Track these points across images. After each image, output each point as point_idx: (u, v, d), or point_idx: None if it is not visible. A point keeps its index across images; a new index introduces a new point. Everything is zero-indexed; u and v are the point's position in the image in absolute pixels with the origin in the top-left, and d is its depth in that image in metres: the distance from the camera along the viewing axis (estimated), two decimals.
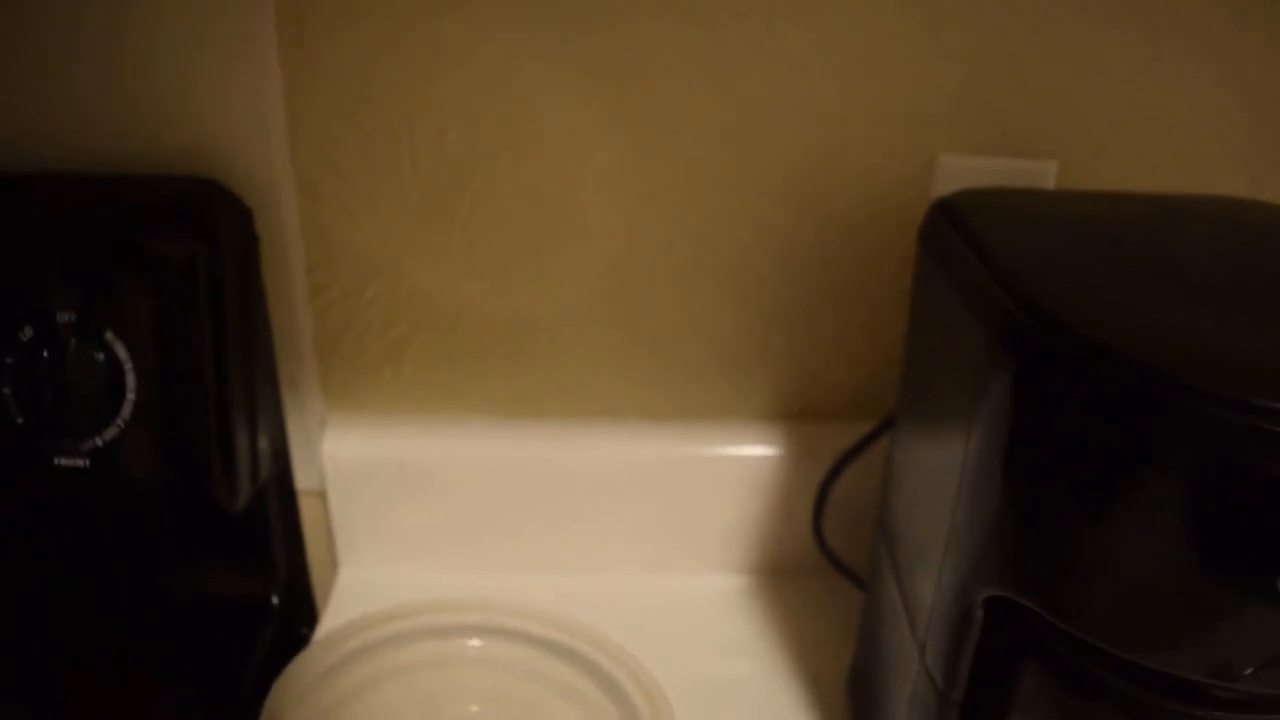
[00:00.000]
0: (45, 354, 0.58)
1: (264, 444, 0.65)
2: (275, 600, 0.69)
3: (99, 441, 0.60)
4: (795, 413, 0.71)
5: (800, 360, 0.70)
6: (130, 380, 0.59)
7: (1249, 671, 0.36)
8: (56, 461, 0.61)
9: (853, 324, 0.69)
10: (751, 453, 0.69)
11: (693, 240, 0.66)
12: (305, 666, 0.61)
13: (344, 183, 0.64)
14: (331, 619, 0.69)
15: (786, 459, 0.69)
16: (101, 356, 0.59)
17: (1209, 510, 0.34)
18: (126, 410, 0.60)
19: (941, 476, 0.45)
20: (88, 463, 0.60)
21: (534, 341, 0.68)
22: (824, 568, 0.71)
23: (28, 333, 0.59)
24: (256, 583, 0.70)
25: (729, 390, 0.70)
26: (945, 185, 0.60)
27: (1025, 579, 0.40)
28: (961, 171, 0.63)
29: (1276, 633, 0.35)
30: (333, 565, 0.74)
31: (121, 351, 0.59)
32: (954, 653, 0.45)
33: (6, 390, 0.60)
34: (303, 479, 0.71)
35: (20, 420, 0.60)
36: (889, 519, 0.56)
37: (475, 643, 0.64)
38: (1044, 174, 0.64)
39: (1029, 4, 0.60)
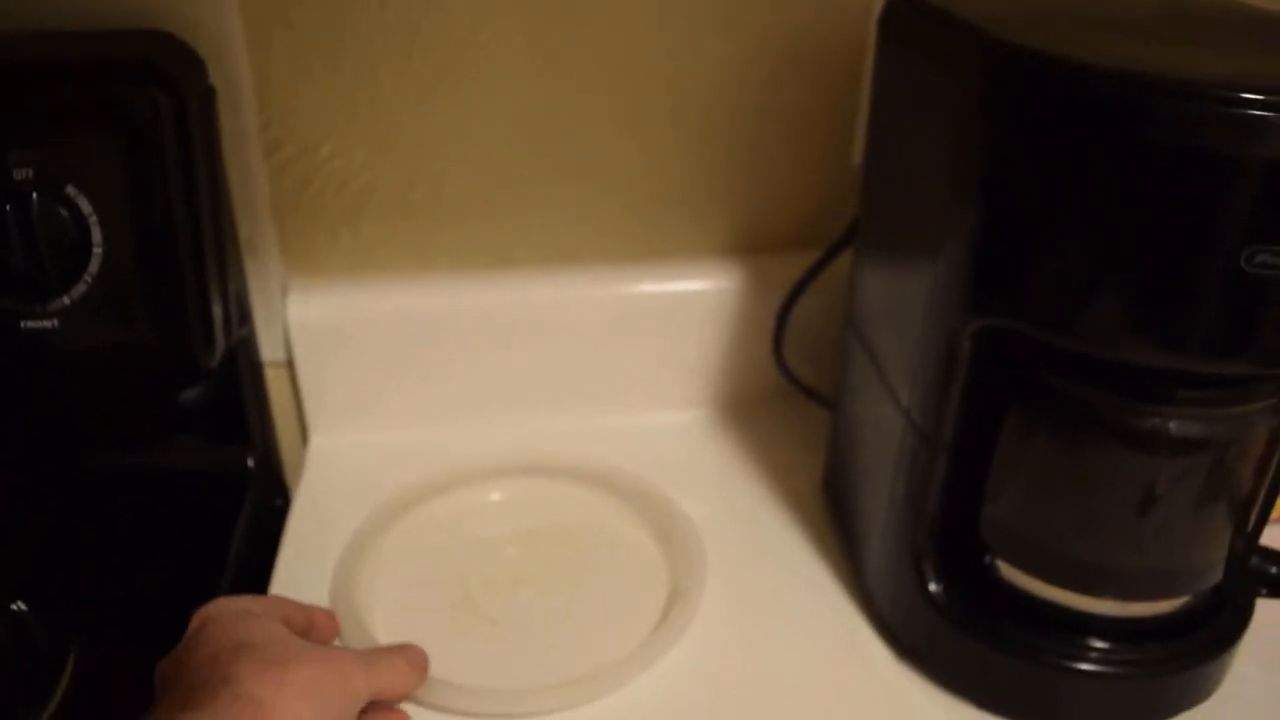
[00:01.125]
0: (6, 210, 0.57)
1: (232, 304, 0.65)
2: (252, 464, 0.69)
3: (67, 300, 0.59)
4: (748, 247, 0.74)
5: (749, 194, 0.72)
6: (96, 234, 0.59)
7: (1212, 344, 0.40)
8: (23, 325, 0.60)
9: (798, 155, 0.71)
10: (708, 287, 0.72)
11: (639, 79, 0.67)
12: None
13: (295, 34, 0.63)
14: (310, 484, 0.70)
15: (742, 291, 0.72)
16: (65, 212, 0.58)
17: (1176, 194, 0.38)
18: (94, 265, 0.59)
19: (920, 233, 0.49)
20: (56, 323, 0.60)
21: (492, 192, 0.69)
22: (784, 395, 0.74)
23: None
24: (231, 453, 0.70)
25: (682, 228, 0.72)
26: None
27: (1012, 295, 0.44)
28: None
29: (1238, 306, 0.39)
30: (301, 436, 0.75)
31: (85, 205, 0.58)
32: (941, 395, 0.48)
33: None
34: (267, 350, 0.71)
35: None
36: (858, 312, 0.59)
37: (496, 495, 0.69)
38: None
39: None
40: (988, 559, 0.53)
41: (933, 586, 0.53)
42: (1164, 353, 0.41)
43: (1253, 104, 0.36)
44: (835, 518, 0.65)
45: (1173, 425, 0.45)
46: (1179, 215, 0.39)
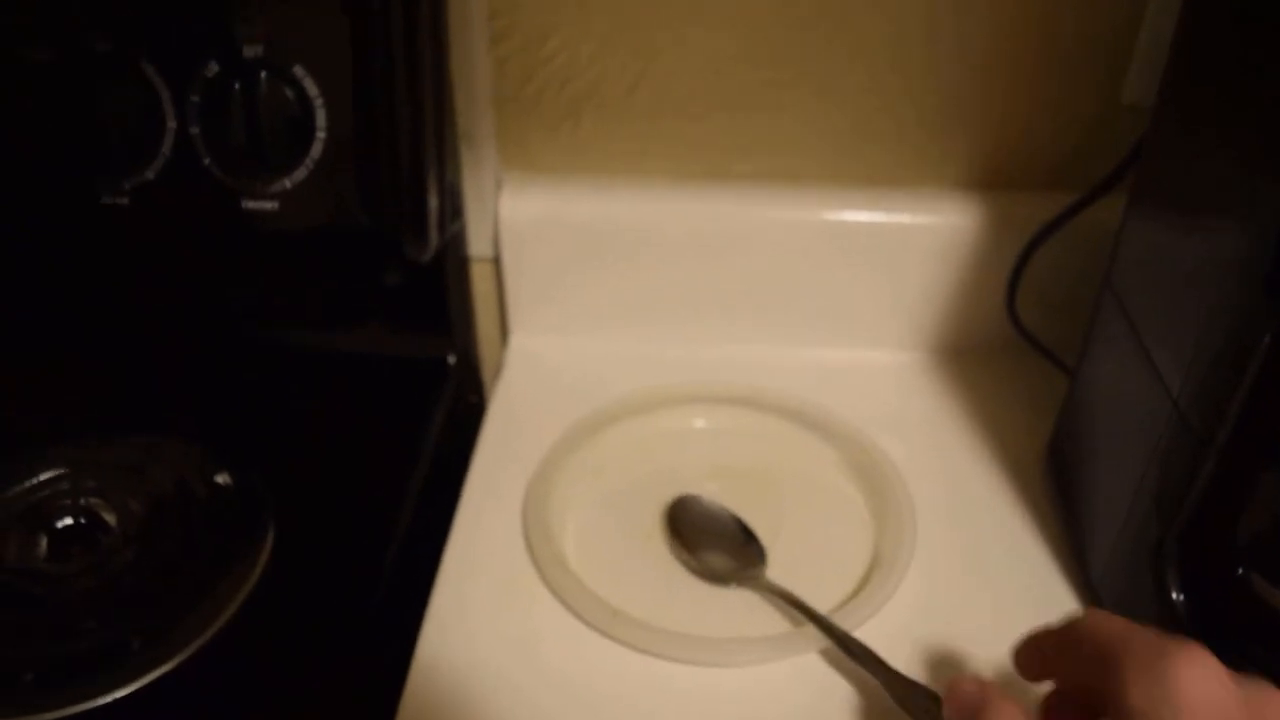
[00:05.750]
0: (235, 88, 0.56)
1: (448, 198, 0.64)
2: (453, 360, 0.69)
3: (288, 183, 0.59)
4: (990, 183, 0.67)
5: (998, 125, 0.65)
6: (321, 118, 0.58)
7: None
8: (245, 204, 0.60)
9: (1060, 86, 0.63)
10: (944, 222, 0.66)
11: None
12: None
13: None
14: (508, 384, 0.69)
15: (980, 230, 0.66)
16: (291, 93, 0.57)
17: None
18: (317, 150, 0.58)
19: (1229, 194, 0.42)
20: (276, 205, 0.59)
21: (721, 99, 0.65)
22: (1011, 348, 0.69)
23: (213, 69, 0.57)
24: (432, 346, 0.69)
25: (921, 155, 0.66)
26: None
27: None
28: None
29: None
30: (500, 335, 0.73)
31: (312, 87, 0.57)
32: (1223, 388, 0.42)
33: (194, 130, 0.58)
34: (475, 244, 0.70)
35: (208, 161, 0.59)
36: (1122, 272, 0.53)
37: (700, 423, 0.66)
38: None
39: None
40: (1241, 570, 0.47)
41: (1176, 595, 0.47)
42: None
43: None
44: (1059, 493, 0.59)
45: None
46: None
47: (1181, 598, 0.47)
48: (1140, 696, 0.33)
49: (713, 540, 0.56)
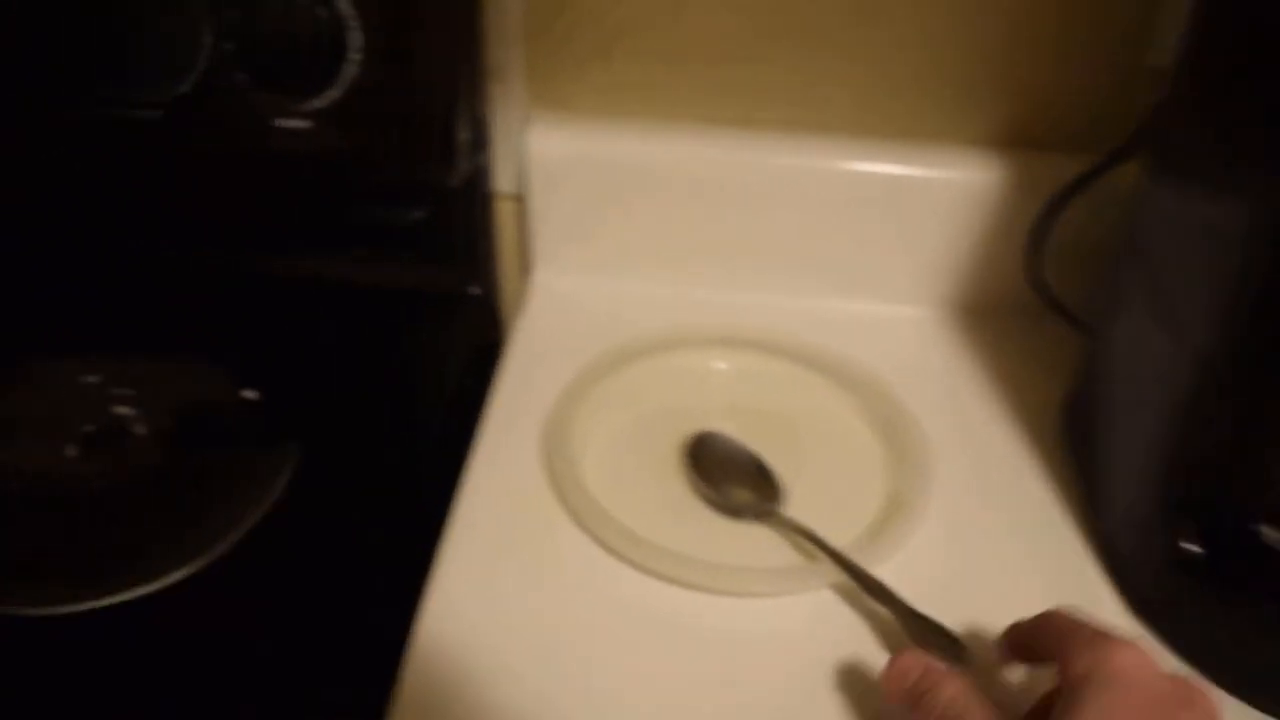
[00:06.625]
0: (271, 5, 0.56)
1: (476, 127, 0.64)
2: (476, 292, 0.69)
3: (319, 103, 0.59)
4: (1012, 141, 0.67)
5: (1024, 84, 0.65)
6: (354, 40, 0.58)
7: None
8: (277, 123, 0.60)
9: (1087, 47, 0.63)
10: (966, 178, 0.66)
11: None
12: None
13: None
14: (530, 321, 0.69)
15: (1002, 188, 0.66)
16: (325, 13, 0.57)
17: None
18: (349, 71, 0.58)
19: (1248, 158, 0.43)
20: (309, 124, 0.59)
21: (753, 44, 0.65)
22: (1027, 307, 0.69)
23: None
24: (455, 279, 0.70)
25: (945, 112, 0.66)
26: None
27: None
28: None
29: None
30: (523, 273, 0.73)
31: (346, 8, 0.57)
32: (1246, 340, 0.43)
33: (229, 45, 0.58)
34: (500, 180, 0.70)
35: (241, 77, 0.59)
36: (1143, 232, 0.53)
37: (721, 364, 0.66)
38: None
39: None
40: (1254, 526, 0.48)
41: (1188, 545, 0.48)
42: None
43: None
44: (1074, 448, 0.60)
45: None
46: None
47: (1197, 549, 0.48)
48: (1081, 666, 0.39)
49: (732, 475, 0.57)
